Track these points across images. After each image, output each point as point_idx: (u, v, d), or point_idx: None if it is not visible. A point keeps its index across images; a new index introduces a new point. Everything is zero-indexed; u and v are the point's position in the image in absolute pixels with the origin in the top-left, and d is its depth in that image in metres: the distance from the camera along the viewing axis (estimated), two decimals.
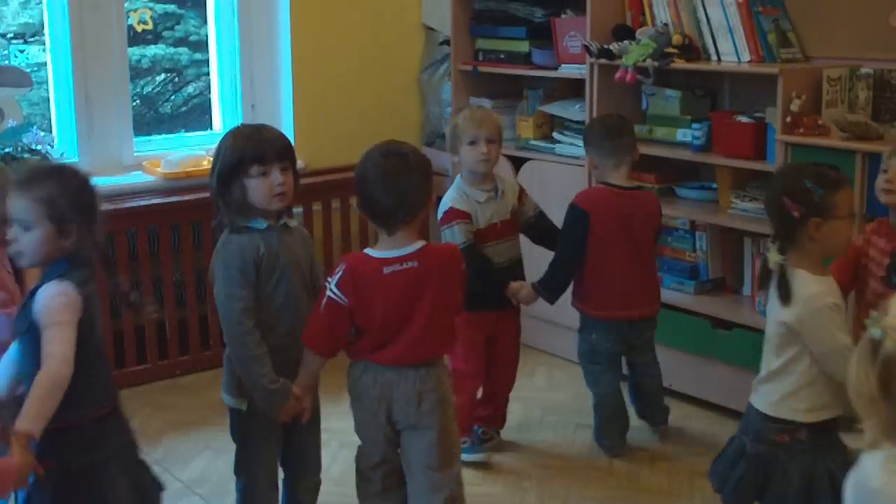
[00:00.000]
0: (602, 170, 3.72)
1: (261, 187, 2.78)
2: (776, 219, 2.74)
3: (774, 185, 2.83)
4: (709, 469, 2.96)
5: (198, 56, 5.16)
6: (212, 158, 2.89)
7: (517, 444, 3.86)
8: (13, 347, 2.44)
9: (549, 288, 3.66)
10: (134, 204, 4.33)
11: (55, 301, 2.32)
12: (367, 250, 2.79)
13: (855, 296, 3.10)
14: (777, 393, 2.73)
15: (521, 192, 3.75)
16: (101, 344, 2.53)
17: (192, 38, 5.18)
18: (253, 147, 2.79)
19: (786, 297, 2.69)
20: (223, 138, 2.86)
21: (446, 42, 5.08)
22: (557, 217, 3.74)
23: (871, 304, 2.81)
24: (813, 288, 2.66)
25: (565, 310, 3.84)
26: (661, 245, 4.21)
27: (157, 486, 2.63)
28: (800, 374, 2.69)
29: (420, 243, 2.76)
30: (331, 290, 2.73)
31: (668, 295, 4.10)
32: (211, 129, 4.97)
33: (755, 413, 2.79)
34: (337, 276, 2.74)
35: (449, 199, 3.60)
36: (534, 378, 4.42)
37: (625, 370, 3.85)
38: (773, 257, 2.72)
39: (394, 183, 2.69)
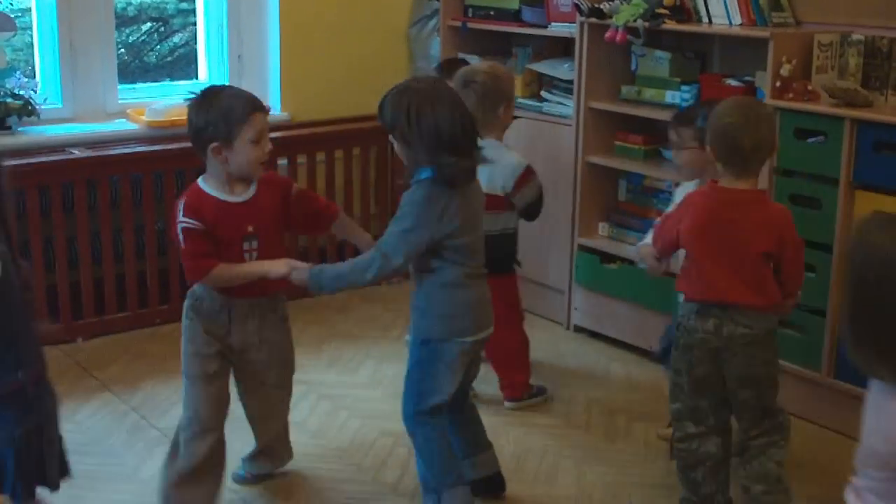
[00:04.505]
0: None
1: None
2: None
3: None
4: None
5: (184, 5, 5.08)
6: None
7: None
8: None
9: None
10: (117, 151, 4.29)
11: None
12: None
13: None
14: None
15: None
16: (21, 307, 2.34)
17: None
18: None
19: None
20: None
21: None
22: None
23: None
24: None
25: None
26: (646, 207, 4.20)
27: (65, 468, 2.46)
28: None
29: None
30: None
31: None
32: (196, 79, 4.93)
33: None
34: None
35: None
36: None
37: None
38: None
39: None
